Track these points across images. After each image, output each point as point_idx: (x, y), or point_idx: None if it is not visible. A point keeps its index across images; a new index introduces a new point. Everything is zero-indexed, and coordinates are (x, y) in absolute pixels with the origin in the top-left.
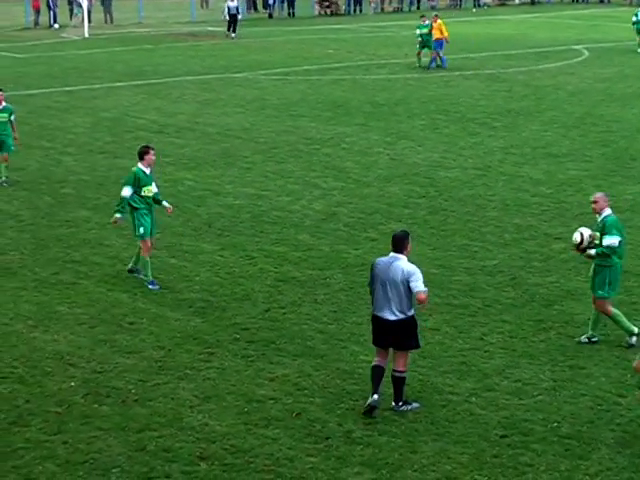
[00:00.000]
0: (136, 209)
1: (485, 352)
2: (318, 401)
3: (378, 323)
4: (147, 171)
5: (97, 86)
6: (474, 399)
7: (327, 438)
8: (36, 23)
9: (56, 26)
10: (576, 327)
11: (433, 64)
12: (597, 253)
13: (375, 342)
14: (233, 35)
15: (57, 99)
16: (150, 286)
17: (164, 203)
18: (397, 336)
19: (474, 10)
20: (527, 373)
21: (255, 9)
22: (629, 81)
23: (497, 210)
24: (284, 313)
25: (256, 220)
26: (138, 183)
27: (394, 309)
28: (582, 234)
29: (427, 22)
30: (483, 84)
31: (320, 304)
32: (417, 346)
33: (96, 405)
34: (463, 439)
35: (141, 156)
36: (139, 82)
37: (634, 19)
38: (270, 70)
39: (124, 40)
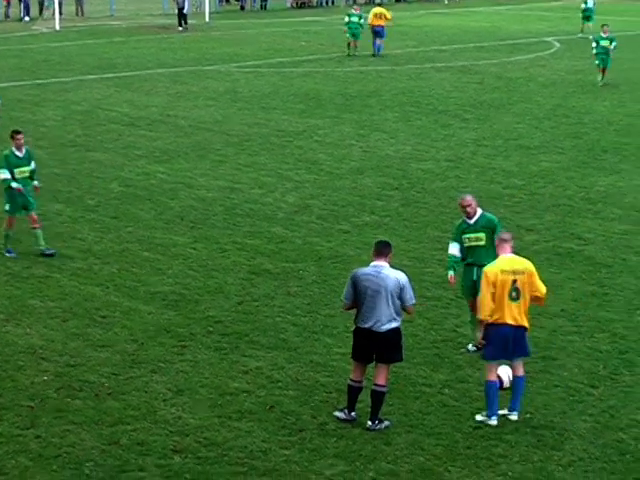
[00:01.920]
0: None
1: (458, 344)
2: (291, 393)
3: (365, 336)
4: (18, 154)
5: (68, 79)
6: (447, 391)
7: (301, 430)
8: (7, 16)
9: (27, 19)
10: (548, 318)
11: (378, 49)
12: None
13: (357, 356)
14: (180, 29)
15: (28, 92)
16: (7, 254)
17: (34, 182)
18: (384, 348)
19: (446, 2)
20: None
21: (227, 1)
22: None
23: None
24: (257, 306)
25: (229, 213)
26: (9, 165)
27: (385, 320)
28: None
29: (359, 12)
30: (455, 76)
31: (293, 297)
32: (401, 359)
33: (69, 399)
34: (437, 431)
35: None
36: (110, 75)
37: (583, 6)
38: (242, 62)
39: (95, 33)
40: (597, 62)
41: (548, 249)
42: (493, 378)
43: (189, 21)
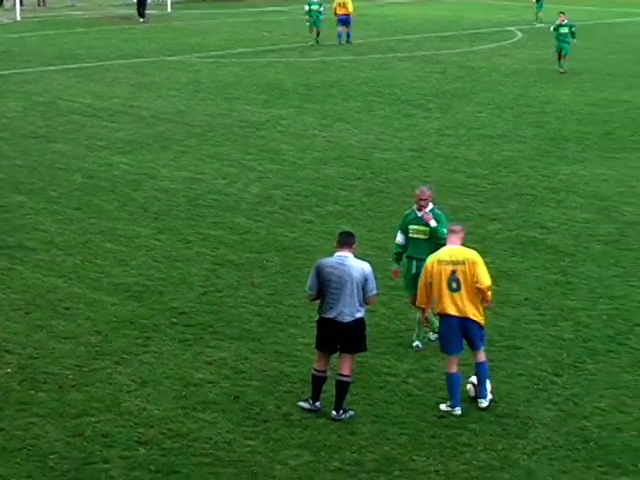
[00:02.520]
0: None
1: (423, 333)
2: (256, 384)
3: (329, 326)
4: None
5: (29, 70)
6: (412, 380)
7: (265, 421)
8: None
9: None
10: (512, 307)
11: (345, 36)
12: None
13: (321, 346)
14: (141, 20)
15: None
16: None
17: None
18: (348, 339)
19: None
20: (464, 354)
21: None
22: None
23: (433, 191)
24: (221, 296)
25: (192, 203)
26: None
27: (349, 310)
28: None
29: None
30: (417, 66)
31: (257, 287)
32: (365, 349)
33: (33, 391)
34: (401, 420)
35: None
36: (72, 66)
37: None
38: (204, 53)
39: (57, 23)
40: (556, 49)
41: (511, 238)
42: (453, 371)
43: (150, 12)
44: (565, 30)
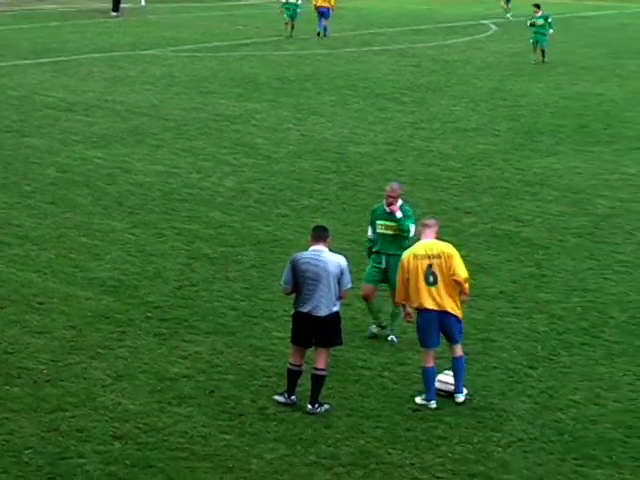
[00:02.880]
0: None
1: (397, 326)
2: (231, 378)
3: (305, 320)
4: None
5: (3, 64)
6: (387, 373)
7: (241, 415)
8: None
9: None
10: (486, 300)
11: (322, 29)
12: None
13: (297, 341)
14: (113, 14)
15: None
16: None
17: None
18: (324, 332)
19: None
20: (440, 347)
21: None
22: (536, 56)
23: (408, 185)
24: (196, 291)
25: (167, 198)
26: None
27: (325, 304)
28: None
29: None
30: (392, 59)
31: (232, 281)
32: (341, 342)
33: (7, 386)
34: (377, 413)
35: None
36: (46, 60)
37: None
38: (179, 47)
39: (30, 17)
40: (531, 40)
41: (486, 231)
42: (429, 365)
43: (125, 5)
44: (541, 22)
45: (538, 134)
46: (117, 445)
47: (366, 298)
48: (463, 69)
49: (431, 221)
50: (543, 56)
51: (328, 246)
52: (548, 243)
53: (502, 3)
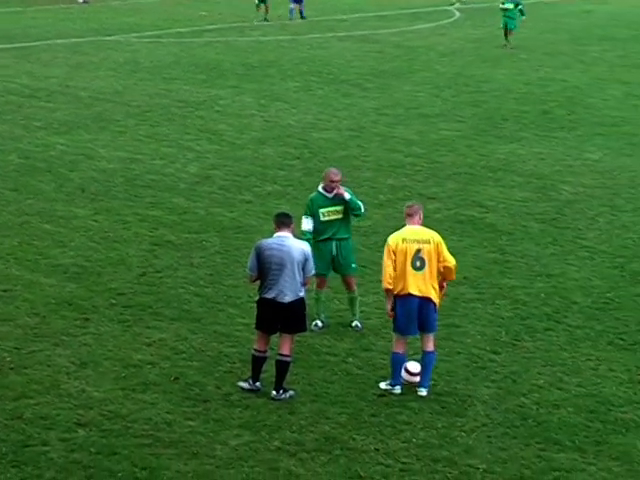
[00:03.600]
0: None
1: (361, 312)
2: (196, 365)
3: (270, 306)
4: None
5: None
6: (351, 359)
7: (205, 401)
8: None
9: None
10: (450, 286)
11: (296, 15)
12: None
13: (261, 327)
14: (80, 0)
15: None
16: None
17: None
18: (289, 319)
19: None
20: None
21: None
22: (499, 41)
23: (371, 171)
24: (160, 277)
25: (130, 184)
26: None
27: (290, 290)
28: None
29: None
30: (356, 45)
31: (196, 267)
32: (305, 329)
33: None
34: (341, 399)
35: None
36: (8, 46)
37: None
38: (142, 33)
39: None
40: (501, 25)
41: (450, 217)
42: (399, 350)
43: None
44: (510, 6)
45: (501, 120)
46: (81, 432)
47: (318, 287)
48: (426, 55)
49: (416, 206)
50: (506, 37)
51: (292, 232)
52: (512, 229)
53: None
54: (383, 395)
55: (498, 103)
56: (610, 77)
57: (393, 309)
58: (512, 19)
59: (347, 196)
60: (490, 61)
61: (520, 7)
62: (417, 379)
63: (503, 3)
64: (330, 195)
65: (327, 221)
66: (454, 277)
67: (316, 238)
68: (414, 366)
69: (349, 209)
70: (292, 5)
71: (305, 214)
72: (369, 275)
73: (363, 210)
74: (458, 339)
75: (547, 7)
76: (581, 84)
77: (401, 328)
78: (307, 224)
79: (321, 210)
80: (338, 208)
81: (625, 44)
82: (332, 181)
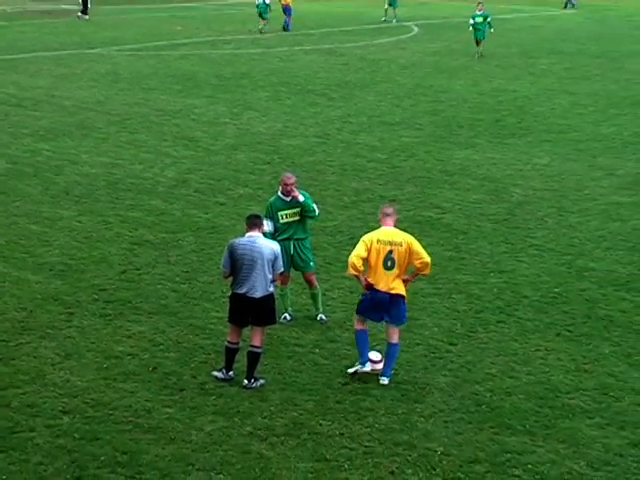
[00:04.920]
0: None
1: (327, 306)
2: (173, 356)
3: (241, 301)
4: None
5: None
6: (318, 350)
7: (182, 390)
8: None
9: None
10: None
11: (287, 24)
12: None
13: (233, 320)
14: (85, 16)
15: None
16: None
17: None
18: (259, 312)
19: None
20: (367, 325)
21: None
22: (455, 55)
23: (336, 175)
24: (139, 274)
25: (111, 187)
26: None
27: (260, 286)
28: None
29: None
30: (322, 58)
31: (173, 265)
32: (275, 322)
33: None
34: (308, 387)
35: None
36: None
37: None
38: (122, 46)
39: None
40: (473, 36)
41: (409, 218)
42: (360, 327)
43: (71, 7)
44: (480, 19)
45: (457, 127)
46: (66, 419)
47: (282, 284)
48: (388, 67)
49: (390, 209)
50: (478, 46)
51: (262, 232)
52: (466, 228)
53: (386, 6)
54: (347, 383)
55: (454, 112)
56: (557, 88)
57: (367, 287)
58: (481, 31)
59: (301, 198)
60: (447, 73)
61: (488, 20)
62: (379, 366)
63: (473, 18)
64: (287, 199)
65: (285, 223)
66: (429, 272)
67: (276, 238)
68: (375, 355)
69: (304, 211)
70: (287, 18)
71: (265, 217)
72: (334, 272)
73: (317, 213)
74: (417, 331)
75: (499, 22)
76: (531, 94)
77: (363, 311)
78: (267, 226)
79: (280, 213)
80: (295, 210)
81: (571, 57)
82: (286, 184)
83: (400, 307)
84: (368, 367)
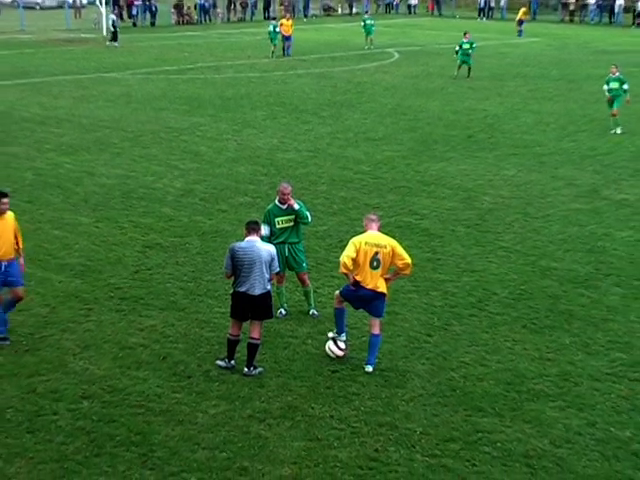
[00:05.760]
0: None
1: (319, 302)
2: (181, 346)
3: (242, 298)
4: None
5: None
6: (310, 341)
7: (189, 377)
8: None
9: None
10: None
11: (288, 49)
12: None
13: (235, 315)
14: (115, 44)
15: None
16: None
17: None
18: (258, 308)
19: (305, 20)
20: (352, 319)
21: (121, 18)
22: (432, 78)
23: (326, 185)
24: (151, 274)
25: (125, 196)
26: None
27: (259, 285)
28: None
29: (275, 22)
30: (313, 81)
31: (181, 266)
32: (271, 316)
33: None
34: (302, 374)
35: None
36: (23, 81)
37: (362, 23)
38: (135, 70)
39: (9, 45)
40: (459, 61)
41: (391, 223)
42: (340, 305)
43: (89, 35)
44: (467, 46)
45: (433, 143)
46: (85, 404)
47: (278, 283)
48: (372, 89)
49: (374, 216)
50: (469, 72)
51: (260, 236)
52: (442, 233)
53: (365, 36)
54: (336, 371)
55: (430, 129)
56: (523, 107)
57: (354, 283)
58: (469, 56)
59: (296, 206)
60: (424, 94)
61: (474, 45)
62: (341, 354)
63: (461, 45)
64: (284, 206)
65: (281, 228)
66: (409, 272)
67: (272, 242)
68: (341, 344)
69: (298, 218)
70: (288, 44)
71: (263, 222)
72: (324, 271)
73: (309, 220)
74: (398, 324)
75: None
76: (499, 113)
77: (345, 295)
78: (265, 230)
79: (276, 219)
80: (290, 217)
81: (535, 80)
82: (283, 194)
83: (380, 303)
84: (344, 336)
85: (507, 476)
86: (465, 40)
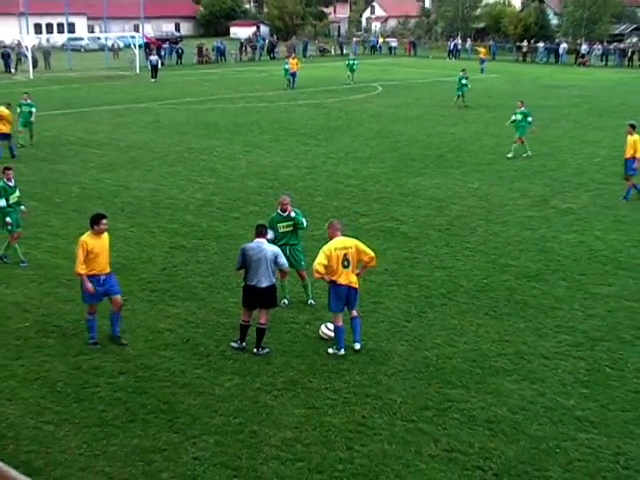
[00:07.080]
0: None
1: (315, 293)
2: (201, 331)
3: (252, 290)
4: (10, 184)
5: (41, 113)
6: (308, 326)
7: (208, 356)
8: None
9: (13, 71)
10: (376, 275)
11: (294, 84)
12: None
13: (246, 304)
14: (153, 80)
15: None
16: (22, 264)
17: (21, 207)
18: (265, 298)
19: (304, 60)
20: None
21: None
22: (410, 107)
23: (322, 196)
24: (176, 270)
25: (155, 206)
26: (5, 194)
27: (265, 279)
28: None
29: (288, 59)
30: (311, 110)
31: (201, 263)
32: (276, 305)
33: (44, 338)
34: (302, 354)
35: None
36: (70, 110)
37: (347, 62)
38: (162, 101)
39: (59, 81)
40: (457, 93)
41: (375, 228)
42: (339, 324)
43: (125, 73)
44: (464, 81)
45: (411, 161)
46: (122, 378)
47: (282, 277)
48: (360, 116)
49: (338, 224)
50: (464, 100)
51: (267, 239)
52: (418, 235)
53: (348, 73)
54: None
55: (409, 149)
56: (485, 131)
57: (331, 282)
58: (466, 86)
59: (293, 214)
60: (403, 120)
61: (467, 78)
62: (332, 334)
63: (459, 80)
64: (284, 214)
65: (282, 232)
66: (375, 264)
67: (276, 243)
68: (330, 326)
69: (296, 224)
70: (294, 79)
71: (268, 227)
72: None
73: (305, 225)
74: (382, 312)
75: (440, 83)
76: (465, 136)
77: (334, 308)
78: (270, 234)
79: (278, 224)
80: (289, 223)
81: (495, 109)
82: (283, 204)
83: (354, 296)
84: (343, 351)
85: (472, 438)
86: (461, 74)
